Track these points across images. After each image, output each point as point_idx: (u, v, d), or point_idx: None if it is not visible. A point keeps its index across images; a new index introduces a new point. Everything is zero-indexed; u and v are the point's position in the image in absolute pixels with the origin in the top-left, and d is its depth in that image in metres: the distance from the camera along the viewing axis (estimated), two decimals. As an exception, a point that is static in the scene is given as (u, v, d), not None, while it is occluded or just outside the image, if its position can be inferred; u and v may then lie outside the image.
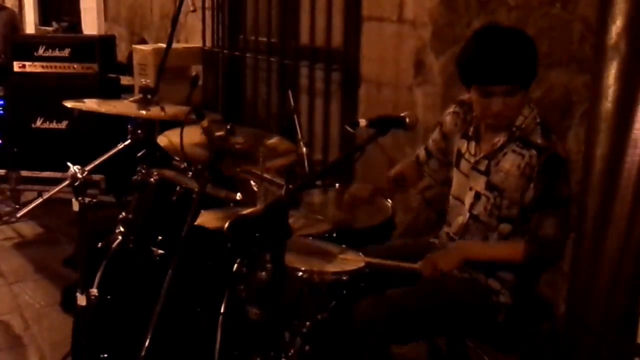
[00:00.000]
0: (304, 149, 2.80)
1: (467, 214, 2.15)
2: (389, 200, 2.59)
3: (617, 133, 1.73)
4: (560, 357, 2.00)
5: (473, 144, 2.17)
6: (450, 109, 2.28)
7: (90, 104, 2.78)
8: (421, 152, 2.42)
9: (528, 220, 2.03)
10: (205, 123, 2.11)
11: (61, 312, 3.21)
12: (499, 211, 2.08)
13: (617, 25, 1.71)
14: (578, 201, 1.88)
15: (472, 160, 2.15)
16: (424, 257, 2.07)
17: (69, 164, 2.13)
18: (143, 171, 2.52)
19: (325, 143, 3.72)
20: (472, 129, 2.18)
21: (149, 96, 2.65)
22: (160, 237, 2.38)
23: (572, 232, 1.97)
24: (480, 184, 2.12)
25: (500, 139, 2.07)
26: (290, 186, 1.65)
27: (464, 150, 2.20)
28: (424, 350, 2.47)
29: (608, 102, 1.75)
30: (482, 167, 2.11)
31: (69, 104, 2.66)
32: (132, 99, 2.67)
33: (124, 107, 2.75)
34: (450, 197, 2.25)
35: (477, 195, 2.12)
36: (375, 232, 2.41)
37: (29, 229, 4.31)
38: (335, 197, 2.74)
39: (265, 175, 2.40)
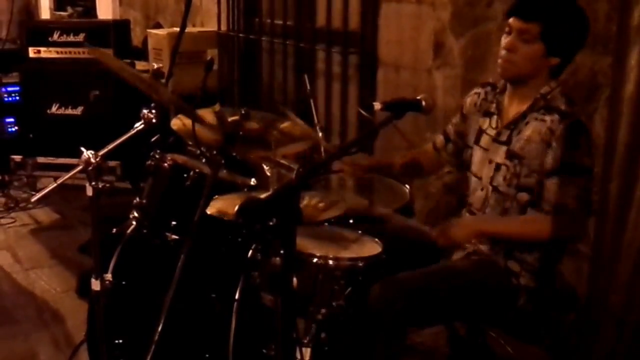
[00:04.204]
0: (320, 134, 2.76)
1: (489, 187, 2.12)
2: (406, 186, 2.55)
3: (640, 116, 1.68)
4: (583, 342, 1.96)
5: (495, 117, 2.14)
6: (472, 91, 2.27)
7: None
8: (438, 138, 2.41)
9: (545, 188, 1.97)
10: (217, 107, 2.08)
11: (77, 298, 3.23)
12: (518, 180, 2.03)
13: (641, 6, 1.65)
14: (600, 185, 1.84)
15: (494, 133, 2.12)
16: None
17: (82, 148, 2.11)
18: (157, 156, 2.49)
19: (342, 128, 3.68)
20: (494, 105, 2.16)
21: (162, 80, 2.61)
22: (174, 223, 2.35)
23: (594, 214, 1.92)
24: (500, 154, 2.08)
25: (523, 108, 2.04)
26: (301, 170, 1.62)
27: (485, 126, 2.17)
28: (443, 339, 2.43)
29: (630, 84, 1.71)
30: (504, 138, 2.08)
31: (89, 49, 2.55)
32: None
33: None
34: (472, 176, 2.22)
35: (497, 167, 2.09)
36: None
37: (45, 216, 4.33)
38: (353, 182, 2.71)
39: (280, 160, 2.36)
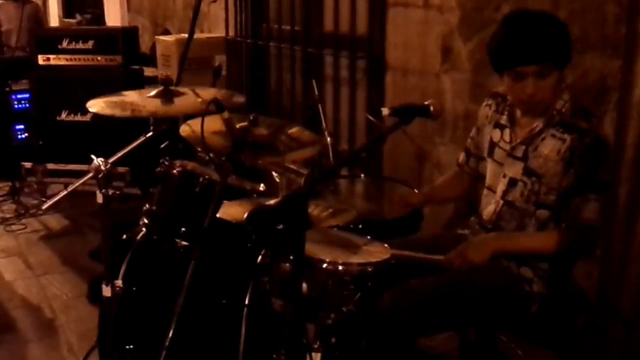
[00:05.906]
0: (329, 139, 2.77)
1: (500, 201, 2.11)
2: (415, 191, 2.55)
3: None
4: (594, 345, 1.96)
5: (507, 131, 2.13)
6: (483, 103, 2.26)
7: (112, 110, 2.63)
8: (460, 156, 2.40)
9: (566, 206, 1.96)
10: (225, 115, 2.08)
11: (88, 304, 3.25)
12: (537, 197, 2.03)
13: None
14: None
15: (508, 147, 2.11)
16: (452, 249, 2.03)
17: (92, 156, 2.12)
18: (166, 163, 2.51)
19: (351, 133, 3.68)
20: (504, 117, 2.14)
21: (171, 87, 2.62)
22: (184, 229, 2.36)
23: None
24: (516, 170, 2.07)
25: (538, 124, 2.03)
26: (310, 176, 1.62)
27: (497, 139, 2.16)
28: (455, 344, 2.43)
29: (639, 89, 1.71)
30: (519, 154, 2.07)
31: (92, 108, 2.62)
32: (152, 93, 2.60)
33: (147, 103, 2.64)
34: (485, 189, 2.21)
35: (513, 182, 2.08)
36: (402, 223, 2.37)
37: (55, 222, 4.35)
38: (362, 187, 2.71)
39: (290, 166, 2.37)
